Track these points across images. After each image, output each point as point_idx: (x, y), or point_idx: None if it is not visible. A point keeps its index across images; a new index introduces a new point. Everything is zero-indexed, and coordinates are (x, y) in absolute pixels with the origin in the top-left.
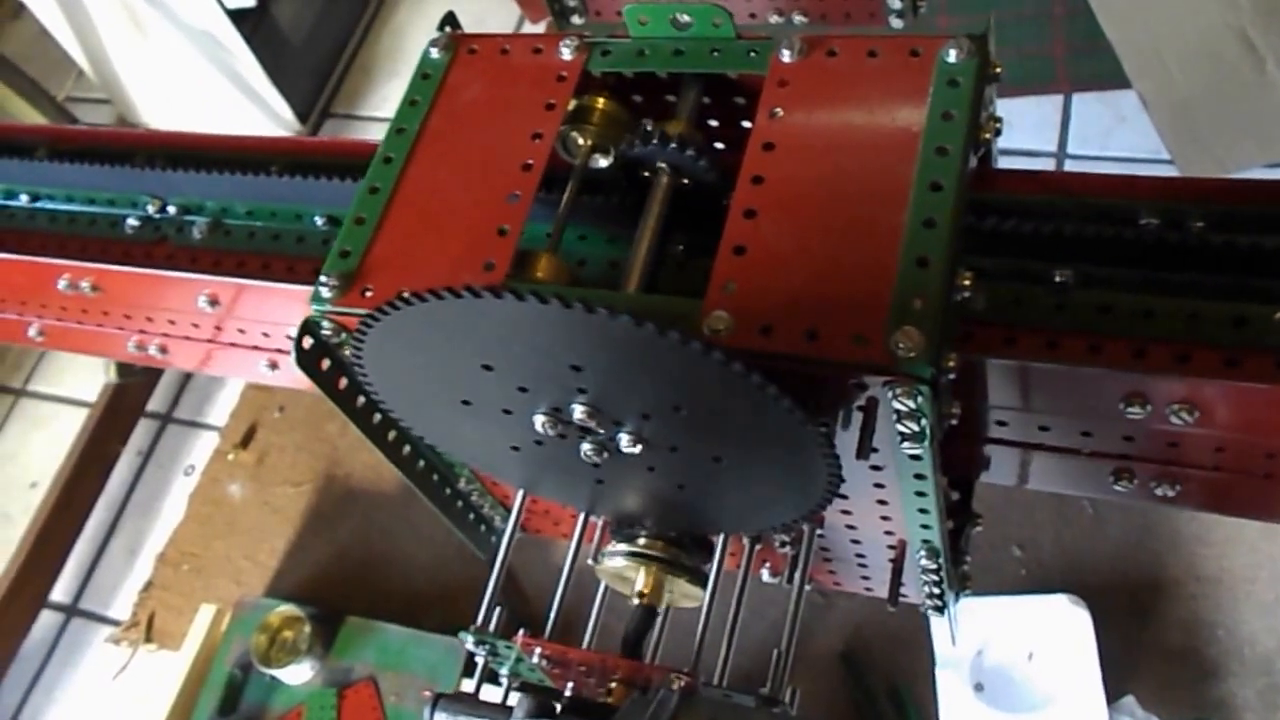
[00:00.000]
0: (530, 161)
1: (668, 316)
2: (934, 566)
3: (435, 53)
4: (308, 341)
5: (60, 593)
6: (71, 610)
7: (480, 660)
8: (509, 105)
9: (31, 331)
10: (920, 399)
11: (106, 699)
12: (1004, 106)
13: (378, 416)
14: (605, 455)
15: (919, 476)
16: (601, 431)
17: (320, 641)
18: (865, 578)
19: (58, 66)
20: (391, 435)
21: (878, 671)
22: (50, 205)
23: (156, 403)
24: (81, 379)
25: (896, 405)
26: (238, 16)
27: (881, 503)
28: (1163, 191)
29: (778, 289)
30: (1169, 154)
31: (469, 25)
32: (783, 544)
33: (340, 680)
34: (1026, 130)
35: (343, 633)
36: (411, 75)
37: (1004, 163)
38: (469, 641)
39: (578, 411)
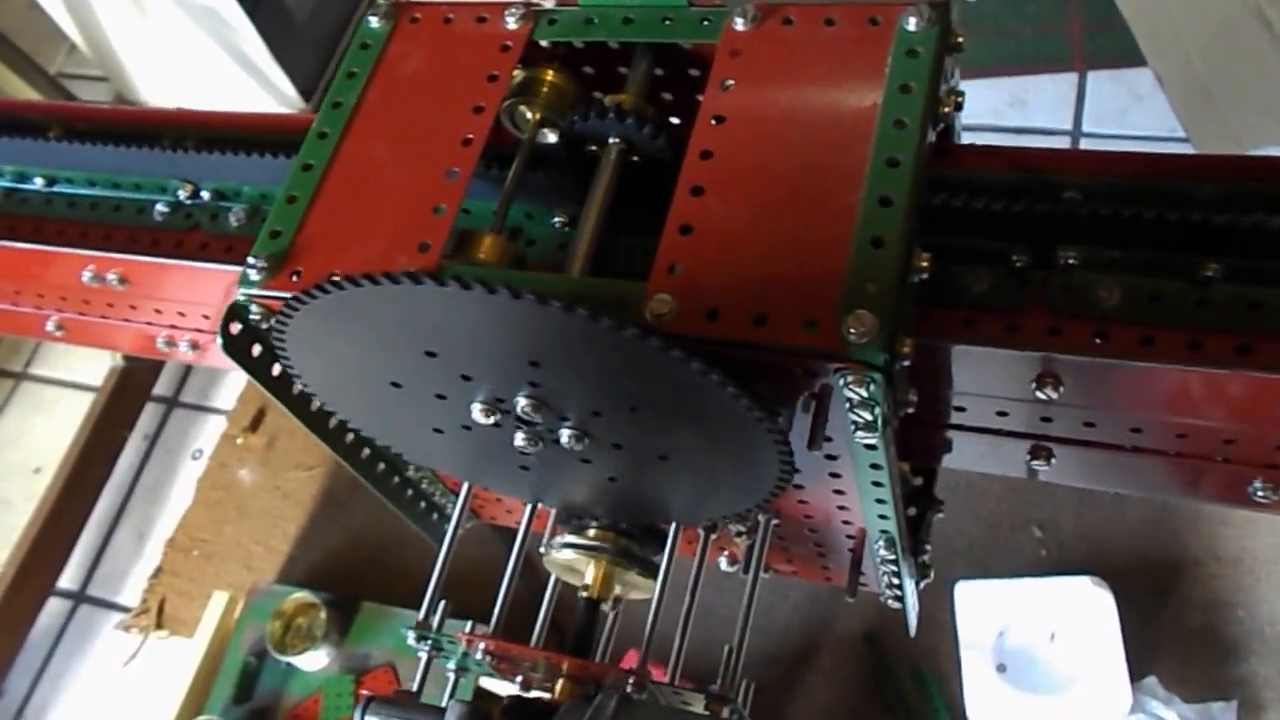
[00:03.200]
0: (470, 136)
1: (608, 301)
2: (892, 557)
3: (375, 22)
4: (235, 327)
5: (68, 579)
6: (79, 597)
7: (424, 656)
8: (450, 77)
9: (49, 325)
10: (873, 387)
11: (116, 687)
12: (1019, 84)
13: (316, 403)
14: (545, 446)
15: (874, 466)
16: (540, 422)
17: (336, 628)
18: (825, 567)
19: (50, 40)
20: (332, 423)
21: (901, 653)
22: (68, 189)
23: (162, 386)
24: (85, 362)
25: (848, 394)
26: None
27: (838, 492)
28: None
29: (725, 271)
30: (1185, 132)
31: None
32: (739, 533)
33: (358, 666)
34: (1042, 108)
35: (359, 619)
36: (350, 45)
37: (1020, 141)
38: (410, 637)
39: (515, 401)
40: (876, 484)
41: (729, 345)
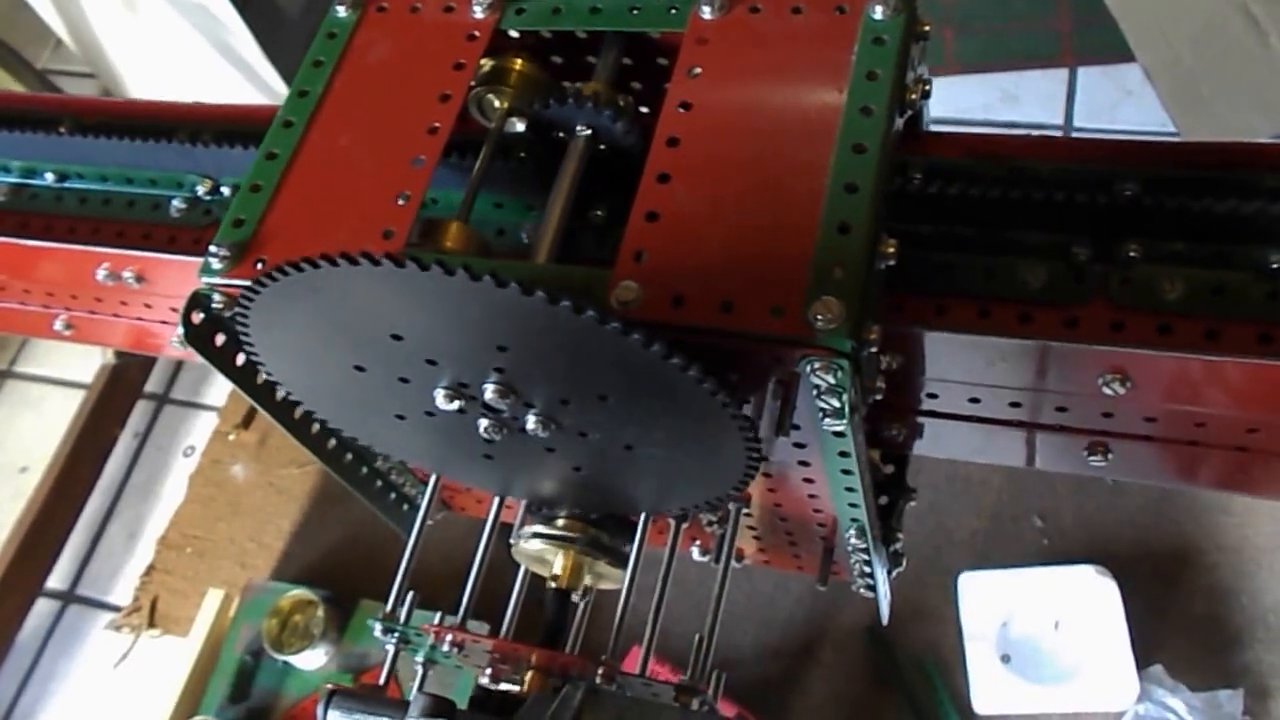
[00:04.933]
0: (436, 124)
1: (573, 287)
2: (863, 545)
3: (342, 11)
4: (197, 316)
5: (56, 579)
6: (68, 597)
7: (390, 649)
8: (416, 66)
9: (57, 325)
10: (839, 374)
11: (108, 688)
12: (1010, 80)
13: (281, 394)
14: (508, 434)
15: (843, 454)
16: (505, 409)
17: (334, 625)
18: (797, 556)
19: (36, 37)
20: (298, 414)
21: (905, 645)
22: (80, 185)
23: (153, 383)
24: (72, 360)
25: (815, 380)
26: None
27: (808, 480)
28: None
29: (692, 257)
30: (1174, 126)
31: None
32: (710, 523)
33: (355, 665)
34: (1032, 104)
35: (356, 616)
36: (316, 35)
37: None
38: (376, 629)
39: (480, 388)
40: (845, 472)
41: (695, 332)
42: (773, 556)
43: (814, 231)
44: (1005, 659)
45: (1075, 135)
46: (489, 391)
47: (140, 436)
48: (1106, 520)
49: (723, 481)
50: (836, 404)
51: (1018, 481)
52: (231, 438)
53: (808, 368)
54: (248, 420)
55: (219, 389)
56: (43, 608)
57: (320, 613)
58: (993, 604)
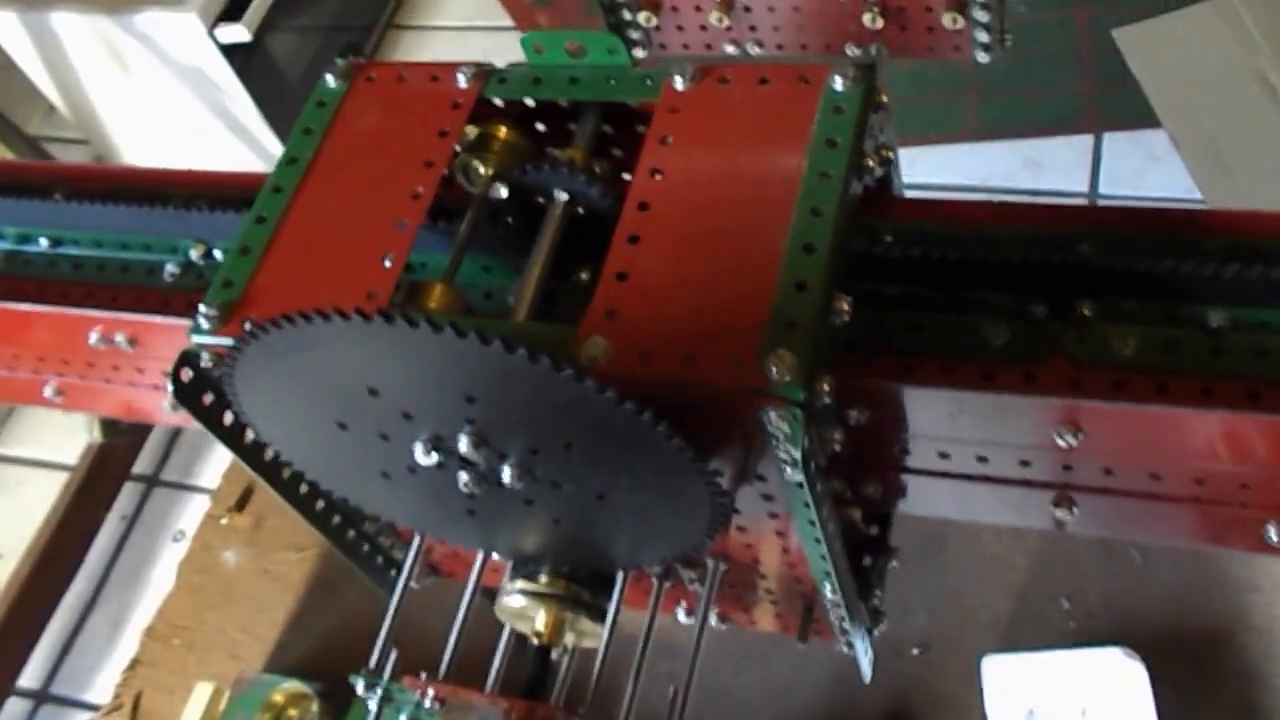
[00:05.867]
0: (420, 189)
1: (544, 343)
2: (837, 599)
3: (332, 81)
4: (186, 374)
5: (29, 677)
6: (42, 696)
7: (373, 707)
8: (402, 133)
9: (48, 391)
10: (793, 423)
11: None
12: (1034, 147)
13: (270, 453)
14: (487, 488)
15: (805, 505)
16: (480, 462)
17: None
18: (779, 615)
19: (27, 102)
20: (287, 474)
21: None
22: (74, 250)
23: (142, 464)
24: (56, 439)
25: (772, 430)
26: (230, 51)
27: (780, 534)
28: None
29: (658, 315)
30: (1200, 194)
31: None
32: (691, 580)
33: None
34: (1057, 171)
35: (355, 710)
36: (306, 104)
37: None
38: (359, 686)
39: (456, 441)
40: (811, 523)
41: (657, 384)
42: (756, 615)
43: (772, 289)
44: None
45: (1100, 202)
46: (463, 443)
47: (127, 520)
48: (1134, 600)
49: (695, 531)
50: (794, 454)
51: (1043, 561)
52: (225, 521)
53: (765, 419)
54: (242, 503)
55: (212, 470)
56: (13, 708)
57: (315, 707)
58: (1017, 689)
